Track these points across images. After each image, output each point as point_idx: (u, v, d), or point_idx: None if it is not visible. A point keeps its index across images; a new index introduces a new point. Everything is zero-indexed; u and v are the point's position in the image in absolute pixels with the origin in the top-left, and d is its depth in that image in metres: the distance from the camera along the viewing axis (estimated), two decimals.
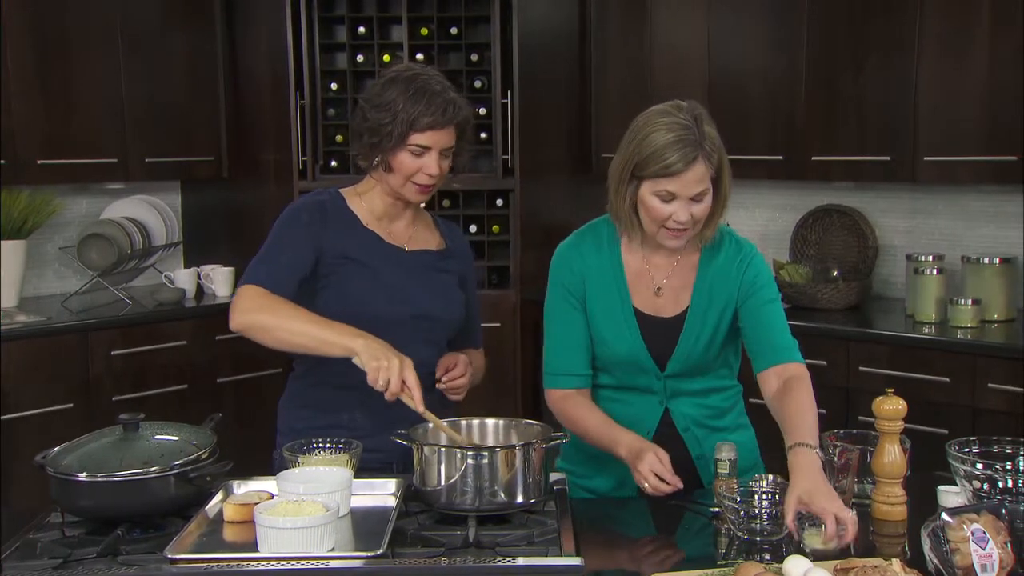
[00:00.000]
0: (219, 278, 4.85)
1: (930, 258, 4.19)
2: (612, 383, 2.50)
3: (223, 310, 4.44)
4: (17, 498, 3.84)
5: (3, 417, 4.03)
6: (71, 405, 4.20)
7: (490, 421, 2.29)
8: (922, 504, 2.18)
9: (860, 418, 3.76)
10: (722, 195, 2.34)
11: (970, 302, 3.96)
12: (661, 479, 2.23)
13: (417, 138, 2.39)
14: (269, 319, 2.30)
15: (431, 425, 2.24)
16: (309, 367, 2.52)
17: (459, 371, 2.49)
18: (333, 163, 4.85)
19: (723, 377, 2.52)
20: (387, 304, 2.45)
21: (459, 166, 2.54)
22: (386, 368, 2.17)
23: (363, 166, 2.51)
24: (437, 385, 2.49)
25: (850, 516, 1.99)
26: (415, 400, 2.19)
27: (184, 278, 4.86)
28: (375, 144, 2.42)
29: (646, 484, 2.24)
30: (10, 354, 4.06)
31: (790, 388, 2.32)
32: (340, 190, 2.55)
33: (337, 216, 2.49)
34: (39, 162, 4.41)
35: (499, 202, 4.89)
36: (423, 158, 2.42)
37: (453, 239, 2.66)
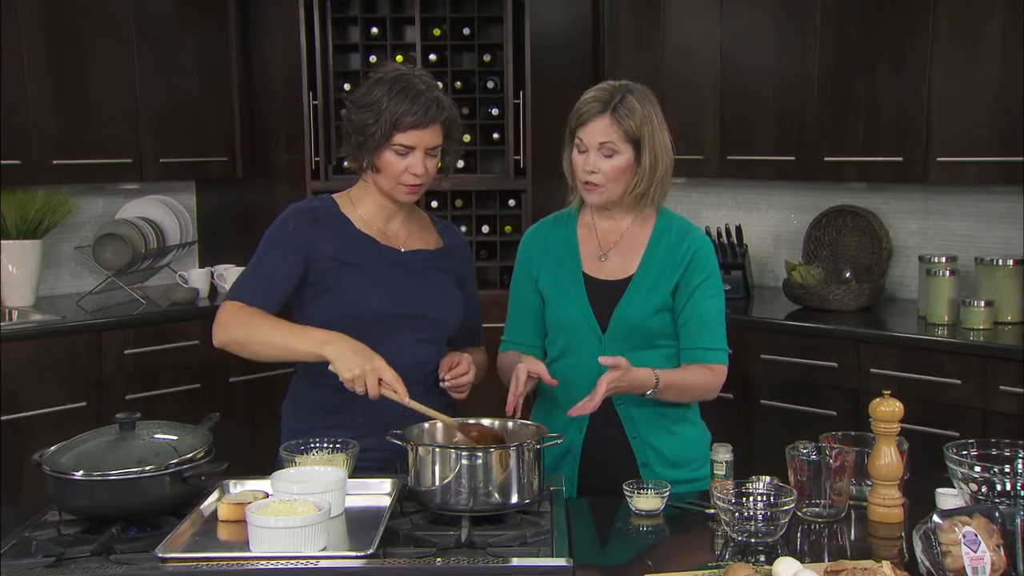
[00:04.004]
0: (232, 278, 4.84)
1: (943, 259, 4.16)
2: (558, 353, 2.61)
3: None
4: (30, 496, 3.87)
5: (18, 415, 4.05)
6: (84, 404, 4.22)
7: (485, 422, 2.29)
8: (923, 507, 2.16)
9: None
10: (644, 165, 2.51)
11: (983, 304, 3.93)
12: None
13: (401, 137, 2.41)
14: (242, 333, 2.36)
15: (426, 425, 2.26)
16: (309, 369, 2.53)
17: (462, 369, 2.49)
18: (345, 164, 4.85)
19: (668, 359, 2.58)
20: (384, 305, 2.46)
21: (447, 166, 2.55)
22: (359, 376, 2.22)
23: (353, 168, 2.53)
24: (441, 384, 2.50)
25: (599, 389, 2.33)
26: (399, 394, 2.23)
27: (198, 278, 4.88)
28: (361, 144, 2.44)
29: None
30: (24, 353, 4.09)
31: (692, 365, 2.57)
32: (333, 195, 2.58)
33: (329, 221, 2.50)
34: (54, 162, 4.44)
35: (511, 202, 4.89)
36: (408, 158, 2.43)
37: (451, 238, 2.67)
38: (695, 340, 2.56)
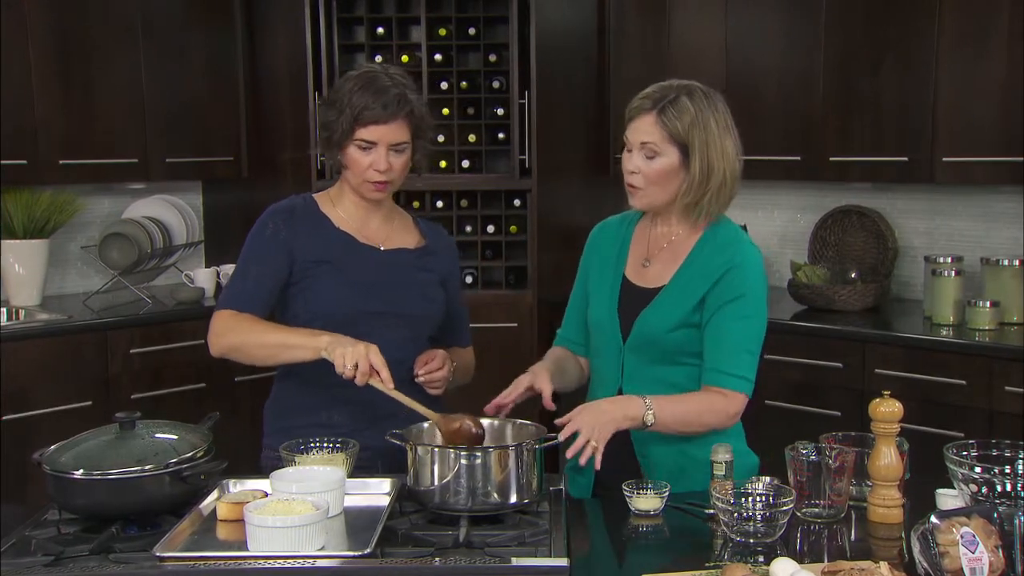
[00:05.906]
0: None
1: (948, 260, 4.15)
2: (591, 354, 2.59)
3: None
4: (35, 496, 3.87)
5: (24, 414, 4.06)
6: (90, 403, 4.23)
7: (485, 421, 2.29)
8: (924, 507, 2.15)
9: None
10: (693, 173, 2.39)
11: (988, 304, 3.92)
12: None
13: (362, 132, 2.42)
14: (237, 339, 2.39)
15: (425, 425, 2.26)
16: (288, 368, 2.55)
17: (436, 364, 2.49)
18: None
19: (693, 379, 2.43)
20: (362, 302, 2.47)
21: (418, 164, 2.55)
22: (351, 353, 2.22)
23: (330, 165, 2.55)
24: (415, 379, 2.50)
25: (589, 441, 2.20)
26: (384, 380, 2.23)
27: (204, 277, 4.89)
28: (327, 139, 2.47)
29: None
30: (30, 351, 4.11)
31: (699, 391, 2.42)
32: (313, 194, 2.60)
33: (307, 219, 2.52)
34: (61, 162, 4.45)
35: (516, 202, 4.88)
36: (371, 153, 2.44)
37: (434, 238, 2.67)
38: (713, 361, 2.39)
